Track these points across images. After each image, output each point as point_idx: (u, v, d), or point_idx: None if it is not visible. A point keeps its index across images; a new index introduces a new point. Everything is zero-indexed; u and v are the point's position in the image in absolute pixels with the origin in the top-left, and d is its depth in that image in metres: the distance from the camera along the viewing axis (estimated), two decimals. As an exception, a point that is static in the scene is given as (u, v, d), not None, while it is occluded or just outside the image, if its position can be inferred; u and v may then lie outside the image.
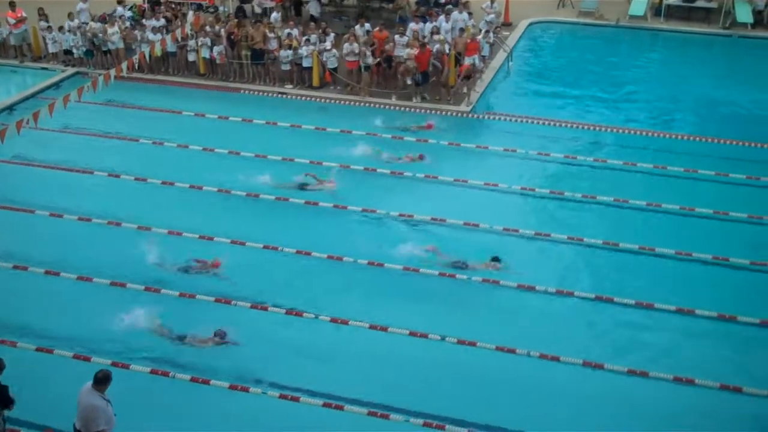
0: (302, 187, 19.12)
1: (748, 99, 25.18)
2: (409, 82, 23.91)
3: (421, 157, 20.51)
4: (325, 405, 12.78)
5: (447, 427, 12.34)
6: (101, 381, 10.93)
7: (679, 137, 22.02)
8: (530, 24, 31.42)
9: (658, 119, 23.69)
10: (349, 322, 14.57)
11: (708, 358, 13.83)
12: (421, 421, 12.45)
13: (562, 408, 12.77)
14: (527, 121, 22.90)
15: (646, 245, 16.80)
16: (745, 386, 13.11)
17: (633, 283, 15.75)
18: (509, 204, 18.70)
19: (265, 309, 14.94)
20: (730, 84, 26.44)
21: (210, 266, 16.08)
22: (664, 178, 19.67)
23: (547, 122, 22.83)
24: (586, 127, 22.59)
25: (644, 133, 22.29)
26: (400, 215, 17.95)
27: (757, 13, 30.61)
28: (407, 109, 23.58)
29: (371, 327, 14.48)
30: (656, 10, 31.68)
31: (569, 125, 22.68)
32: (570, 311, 15.08)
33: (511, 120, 23.04)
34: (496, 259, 16.12)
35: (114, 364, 13.24)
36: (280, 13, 27.41)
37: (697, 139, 21.85)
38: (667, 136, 22.17)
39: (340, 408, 12.71)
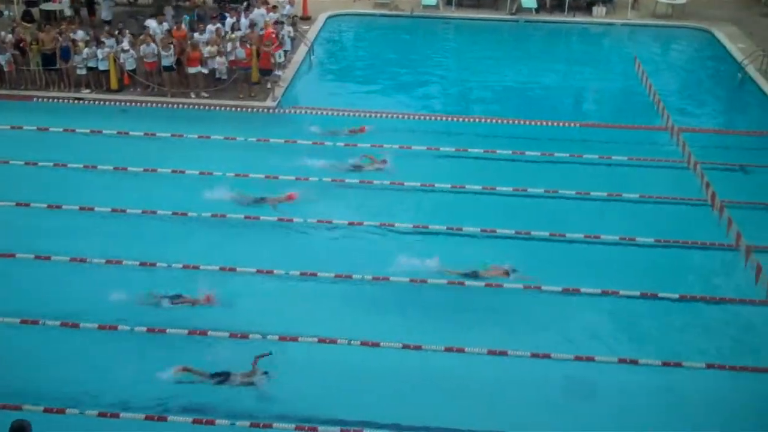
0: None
1: (538, 80, 26.70)
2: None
3: (384, 162, 20.05)
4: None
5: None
6: None
7: (477, 120, 22.96)
8: (329, 17, 31.75)
9: (456, 104, 24.71)
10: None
11: (521, 329, 14.54)
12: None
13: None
14: (333, 114, 23.15)
15: (453, 225, 17.44)
16: (553, 352, 13.89)
17: (446, 263, 16.24)
18: (321, 195, 18.77)
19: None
20: (520, 67, 27.88)
21: (201, 301, 14.99)
22: (465, 160, 20.48)
23: (352, 113, 23.15)
24: (389, 115, 23.10)
25: (444, 119, 23.07)
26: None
27: (541, -2, 32.43)
28: (214, 108, 23.26)
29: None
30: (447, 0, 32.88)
31: (374, 115, 23.09)
32: (381, 293, 15.48)
33: (317, 113, 23.21)
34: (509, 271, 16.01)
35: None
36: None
37: (494, 121, 22.86)
38: (466, 120, 23.06)
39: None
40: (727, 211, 14.97)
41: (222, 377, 13.12)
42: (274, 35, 24.70)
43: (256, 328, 14.24)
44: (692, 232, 17.20)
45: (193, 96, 23.64)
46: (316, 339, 14.01)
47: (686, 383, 13.41)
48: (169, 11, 26.91)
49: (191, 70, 23.65)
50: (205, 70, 23.64)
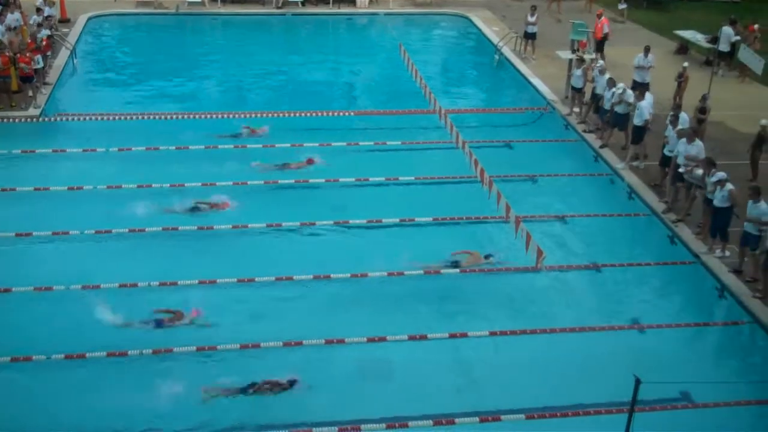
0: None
1: (310, 72, 27.14)
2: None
3: (309, 162, 19.94)
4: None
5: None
6: None
7: (256, 115, 22.91)
8: (90, 18, 30.64)
9: (233, 100, 24.58)
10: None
11: (312, 317, 14.76)
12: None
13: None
14: (103, 118, 22.40)
15: (239, 223, 17.36)
16: (348, 337, 14.12)
17: (228, 259, 16.23)
18: (98, 203, 18.12)
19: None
20: (291, 60, 28.20)
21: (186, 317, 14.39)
22: (245, 157, 20.43)
23: (123, 117, 22.52)
24: (164, 117, 22.66)
25: (225, 116, 22.83)
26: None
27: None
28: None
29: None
30: (213, -5, 32.67)
31: (146, 117, 22.60)
32: (219, 295, 15.23)
33: (85, 119, 22.37)
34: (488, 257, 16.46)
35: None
36: None
37: (269, 115, 22.94)
38: (239, 116, 22.93)
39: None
40: (496, 186, 15.88)
41: (251, 388, 12.88)
42: (30, 40, 23.55)
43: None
44: (466, 209, 18.16)
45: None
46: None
47: (471, 352, 14.13)
48: None
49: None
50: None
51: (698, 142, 17.82)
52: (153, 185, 18.76)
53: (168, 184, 18.79)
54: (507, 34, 28.85)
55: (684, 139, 17.81)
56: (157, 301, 14.82)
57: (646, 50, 23.42)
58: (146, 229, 17.10)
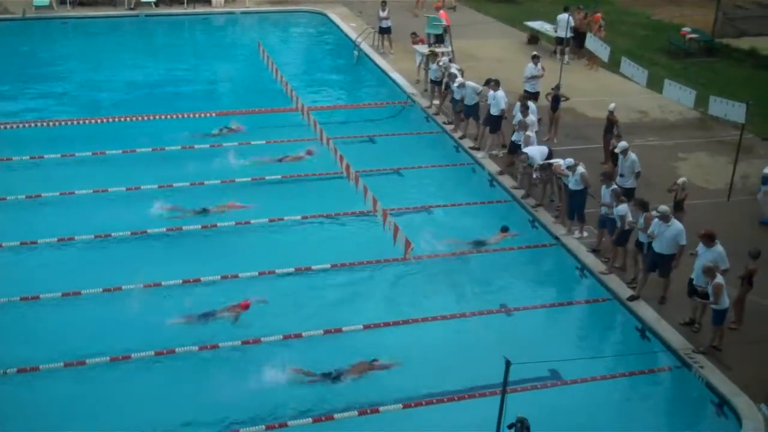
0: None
1: (169, 74, 26.65)
2: None
3: (309, 153, 20.27)
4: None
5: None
6: None
7: (112, 120, 22.27)
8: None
9: (87, 106, 23.82)
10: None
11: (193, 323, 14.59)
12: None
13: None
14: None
15: (28, 240, 16.64)
16: (211, 343, 14.10)
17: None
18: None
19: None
20: (148, 62, 27.63)
21: (239, 308, 14.63)
22: (105, 165, 19.90)
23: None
24: (15, 126, 21.83)
25: (76, 122, 22.12)
26: None
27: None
28: None
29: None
30: (61, -1, 31.57)
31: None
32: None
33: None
34: (505, 229, 17.59)
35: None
36: None
37: (134, 119, 22.36)
38: (100, 121, 22.26)
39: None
40: (362, 180, 16.04)
41: (334, 374, 13.23)
42: None
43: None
44: (333, 205, 18.23)
45: None
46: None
47: (345, 346, 14.18)
48: None
49: None
50: None
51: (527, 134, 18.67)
52: (8, 198, 18.11)
53: (24, 196, 18.16)
54: (365, 30, 29.10)
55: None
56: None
57: (536, 59, 22.51)
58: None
